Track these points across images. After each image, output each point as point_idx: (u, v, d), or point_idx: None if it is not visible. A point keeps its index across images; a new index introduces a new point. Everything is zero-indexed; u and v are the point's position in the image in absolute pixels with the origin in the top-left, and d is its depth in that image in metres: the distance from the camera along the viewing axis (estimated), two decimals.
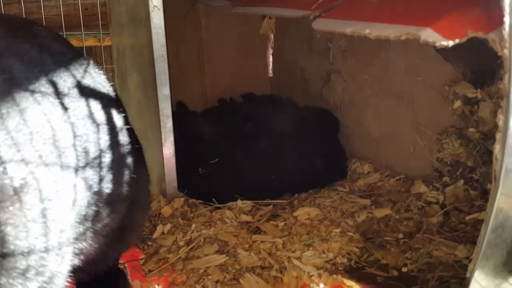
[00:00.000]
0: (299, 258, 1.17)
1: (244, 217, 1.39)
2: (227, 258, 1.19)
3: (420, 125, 1.52)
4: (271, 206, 1.46)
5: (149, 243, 1.30)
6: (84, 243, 0.82)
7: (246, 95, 2.10)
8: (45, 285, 0.66)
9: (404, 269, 1.13)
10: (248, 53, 2.30)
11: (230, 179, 1.52)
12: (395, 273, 1.12)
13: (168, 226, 1.35)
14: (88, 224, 0.79)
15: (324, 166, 1.67)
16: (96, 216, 0.81)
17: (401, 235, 1.26)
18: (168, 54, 1.42)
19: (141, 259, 1.25)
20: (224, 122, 1.77)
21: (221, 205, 1.45)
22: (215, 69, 2.24)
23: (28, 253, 0.59)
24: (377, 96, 1.71)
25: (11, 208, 0.56)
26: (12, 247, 0.57)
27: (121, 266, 1.17)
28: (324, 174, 1.66)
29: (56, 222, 0.64)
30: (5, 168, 0.57)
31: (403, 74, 1.56)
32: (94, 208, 0.79)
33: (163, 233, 1.33)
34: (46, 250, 0.62)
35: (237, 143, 1.63)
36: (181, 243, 1.27)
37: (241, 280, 1.10)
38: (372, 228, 1.32)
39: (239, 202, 1.46)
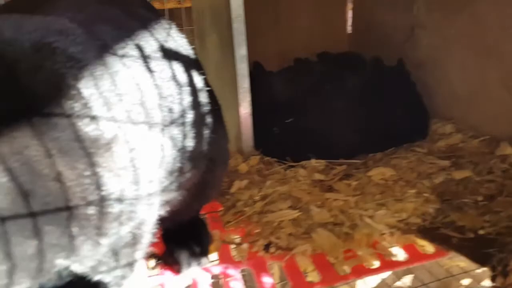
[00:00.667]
0: (371, 217, 1.19)
1: (318, 176, 1.41)
2: (300, 213, 1.23)
3: (510, 82, 1.41)
4: (345, 165, 1.47)
5: (227, 196, 1.38)
6: (170, 196, 0.91)
7: (321, 54, 2.07)
8: (134, 230, 0.75)
9: (481, 232, 1.10)
10: (325, 9, 2.25)
11: (304, 138, 1.54)
12: (471, 235, 1.10)
13: (245, 181, 1.42)
14: (173, 178, 0.87)
15: (403, 126, 1.63)
16: (180, 171, 0.89)
17: (480, 198, 1.22)
18: (246, 14, 1.44)
19: (220, 211, 1.34)
20: (299, 82, 1.78)
21: (295, 164, 1.49)
22: (291, 28, 2.22)
23: (121, 199, 0.68)
24: (465, 52, 1.60)
25: (105, 155, 0.65)
26: (108, 190, 0.65)
27: (202, 217, 1.27)
28: (403, 134, 1.62)
29: (145, 173, 0.72)
30: (98, 123, 0.66)
31: (493, 27, 1.45)
32: (178, 164, 0.86)
33: (240, 188, 1.40)
34: (136, 197, 0.71)
35: (313, 103, 1.64)
36: (256, 198, 1.33)
37: (312, 234, 1.14)
38: (450, 190, 1.28)
39: (312, 161, 1.49)
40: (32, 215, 0.59)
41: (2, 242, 0.58)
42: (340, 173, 1.42)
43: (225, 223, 1.26)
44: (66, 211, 0.62)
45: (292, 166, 1.48)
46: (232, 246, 1.17)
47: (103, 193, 0.66)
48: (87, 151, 0.62)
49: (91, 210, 0.64)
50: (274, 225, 1.20)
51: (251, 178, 1.43)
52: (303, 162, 1.48)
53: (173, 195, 0.90)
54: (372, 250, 1.09)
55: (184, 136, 0.88)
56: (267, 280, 1.02)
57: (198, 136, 0.92)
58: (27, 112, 0.60)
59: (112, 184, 0.67)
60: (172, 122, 0.84)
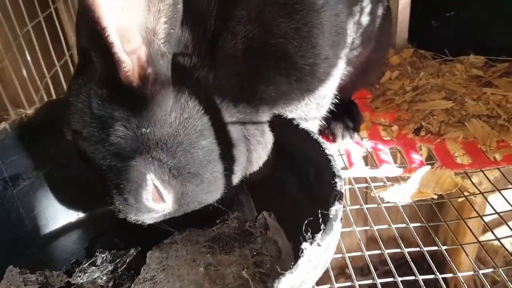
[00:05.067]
0: None
1: (475, 71, 1.38)
2: (453, 104, 1.24)
3: None
4: (507, 63, 1.40)
5: (377, 86, 1.44)
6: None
7: None
8: (320, 99, 0.91)
9: None
10: None
11: (464, 33, 1.49)
12: None
13: (396, 73, 1.45)
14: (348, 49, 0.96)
15: None
16: (351, 46, 0.97)
17: None
18: None
19: (368, 98, 1.41)
20: None
21: (452, 58, 1.46)
22: None
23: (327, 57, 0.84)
24: None
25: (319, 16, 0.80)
26: (320, 49, 0.82)
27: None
28: None
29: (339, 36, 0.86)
30: None
31: None
32: (352, 36, 0.94)
33: (390, 78, 1.44)
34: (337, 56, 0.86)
35: None
36: (407, 88, 1.37)
37: (466, 124, 1.16)
38: None
39: (471, 57, 1.44)
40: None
41: None
42: (500, 70, 1.36)
43: (374, 109, 1.34)
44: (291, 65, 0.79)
45: (448, 61, 1.46)
46: (382, 127, 1.25)
47: (316, 51, 0.79)
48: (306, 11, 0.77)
49: (307, 66, 0.79)
50: (425, 113, 1.24)
51: (403, 70, 1.45)
52: (461, 57, 1.44)
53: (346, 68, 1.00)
54: None
55: (361, 11, 0.94)
56: (416, 156, 1.10)
57: (372, 14, 0.98)
58: None
59: (323, 46, 0.81)
60: None
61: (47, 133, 0.97)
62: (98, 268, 0.89)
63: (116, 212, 0.76)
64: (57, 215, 1.01)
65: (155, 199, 0.72)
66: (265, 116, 0.84)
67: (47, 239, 1.00)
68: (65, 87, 1.37)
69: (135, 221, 0.77)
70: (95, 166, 0.72)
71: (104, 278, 0.87)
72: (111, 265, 0.90)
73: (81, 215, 1.03)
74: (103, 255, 0.91)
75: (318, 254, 0.56)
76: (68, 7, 1.42)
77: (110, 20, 0.59)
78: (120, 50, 0.61)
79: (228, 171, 0.77)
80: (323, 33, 0.80)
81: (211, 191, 0.77)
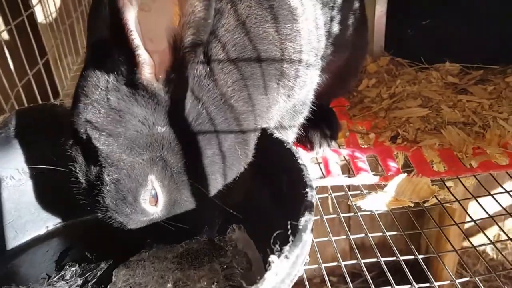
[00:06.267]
0: (505, 120, 1.17)
1: (451, 79, 1.39)
2: (429, 111, 1.25)
3: None
4: (481, 70, 1.42)
5: (355, 94, 1.44)
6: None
7: None
8: (299, 105, 0.93)
9: None
10: None
11: (440, 41, 1.50)
12: None
13: (373, 80, 1.45)
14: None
15: None
16: (324, 53, 0.97)
17: None
18: None
19: (347, 106, 1.41)
20: None
21: (428, 66, 1.47)
22: None
23: (307, 63, 0.84)
24: None
25: (300, 21, 0.81)
26: (301, 54, 0.82)
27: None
28: None
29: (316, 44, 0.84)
30: None
31: None
32: (323, 45, 0.94)
33: (367, 86, 1.45)
34: (313, 63, 0.86)
35: (452, 5, 1.55)
36: (384, 96, 1.37)
37: (442, 131, 1.16)
38: None
39: (447, 64, 1.46)
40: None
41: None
42: (475, 78, 1.38)
43: (352, 116, 1.34)
44: (279, 70, 0.79)
45: (424, 69, 1.47)
46: (359, 135, 1.25)
47: (300, 56, 0.80)
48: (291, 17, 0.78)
49: (292, 72, 0.80)
50: (401, 120, 1.24)
51: (380, 78, 1.46)
52: (437, 65, 1.46)
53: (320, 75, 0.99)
54: (503, 149, 1.09)
55: (331, 19, 0.94)
56: (392, 164, 1.10)
57: (344, 21, 0.98)
58: None
59: (306, 52, 0.82)
60: (324, 5, 0.91)
61: (15, 143, 0.94)
62: (67, 283, 0.87)
63: (101, 212, 0.72)
64: (26, 227, 0.98)
65: (151, 202, 0.72)
66: (257, 126, 0.83)
67: (16, 252, 0.96)
68: (38, 96, 1.34)
69: (118, 226, 0.73)
70: (100, 158, 0.70)
71: None
72: (81, 279, 0.87)
73: (50, 227, 0.99)
74: (72, 269, 0.88)
75: (286, 267, 0.54)
76: (45, 13, 1.39)
77: (138, 23, 0.61)
78: (144, 52, 0.64)
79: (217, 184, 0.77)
80: (306, 39, 0.81)
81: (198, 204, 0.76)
